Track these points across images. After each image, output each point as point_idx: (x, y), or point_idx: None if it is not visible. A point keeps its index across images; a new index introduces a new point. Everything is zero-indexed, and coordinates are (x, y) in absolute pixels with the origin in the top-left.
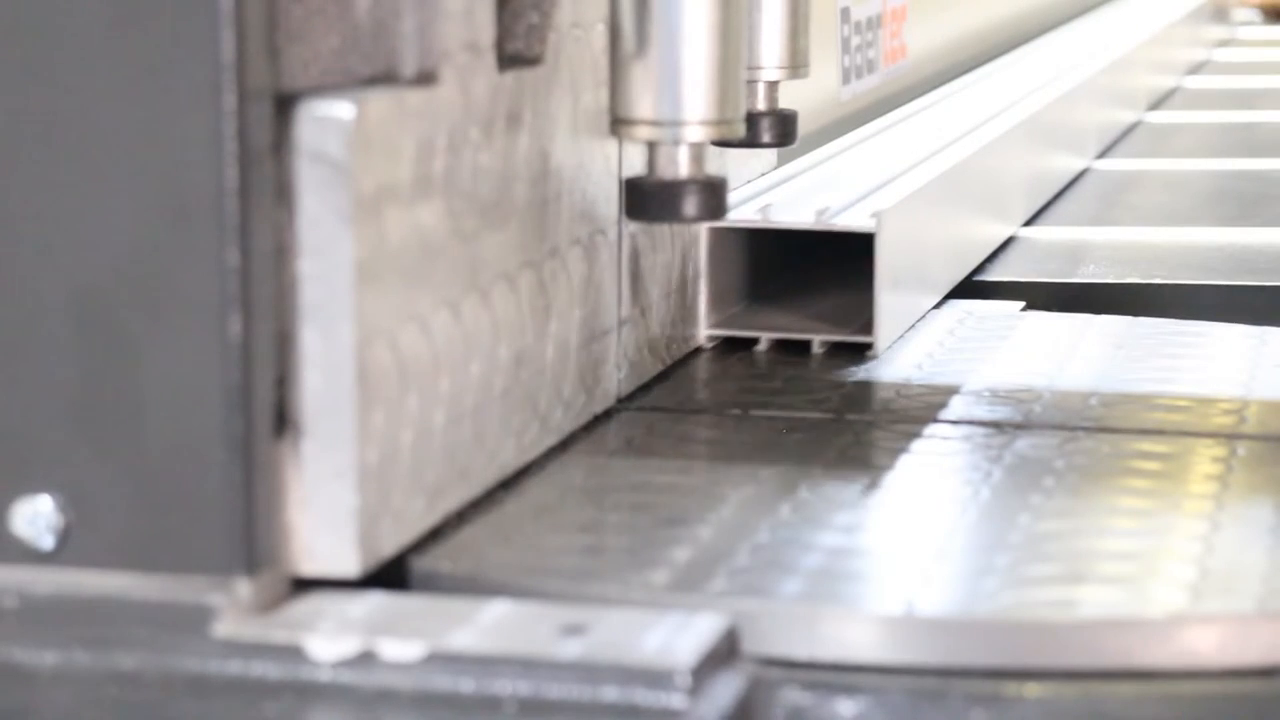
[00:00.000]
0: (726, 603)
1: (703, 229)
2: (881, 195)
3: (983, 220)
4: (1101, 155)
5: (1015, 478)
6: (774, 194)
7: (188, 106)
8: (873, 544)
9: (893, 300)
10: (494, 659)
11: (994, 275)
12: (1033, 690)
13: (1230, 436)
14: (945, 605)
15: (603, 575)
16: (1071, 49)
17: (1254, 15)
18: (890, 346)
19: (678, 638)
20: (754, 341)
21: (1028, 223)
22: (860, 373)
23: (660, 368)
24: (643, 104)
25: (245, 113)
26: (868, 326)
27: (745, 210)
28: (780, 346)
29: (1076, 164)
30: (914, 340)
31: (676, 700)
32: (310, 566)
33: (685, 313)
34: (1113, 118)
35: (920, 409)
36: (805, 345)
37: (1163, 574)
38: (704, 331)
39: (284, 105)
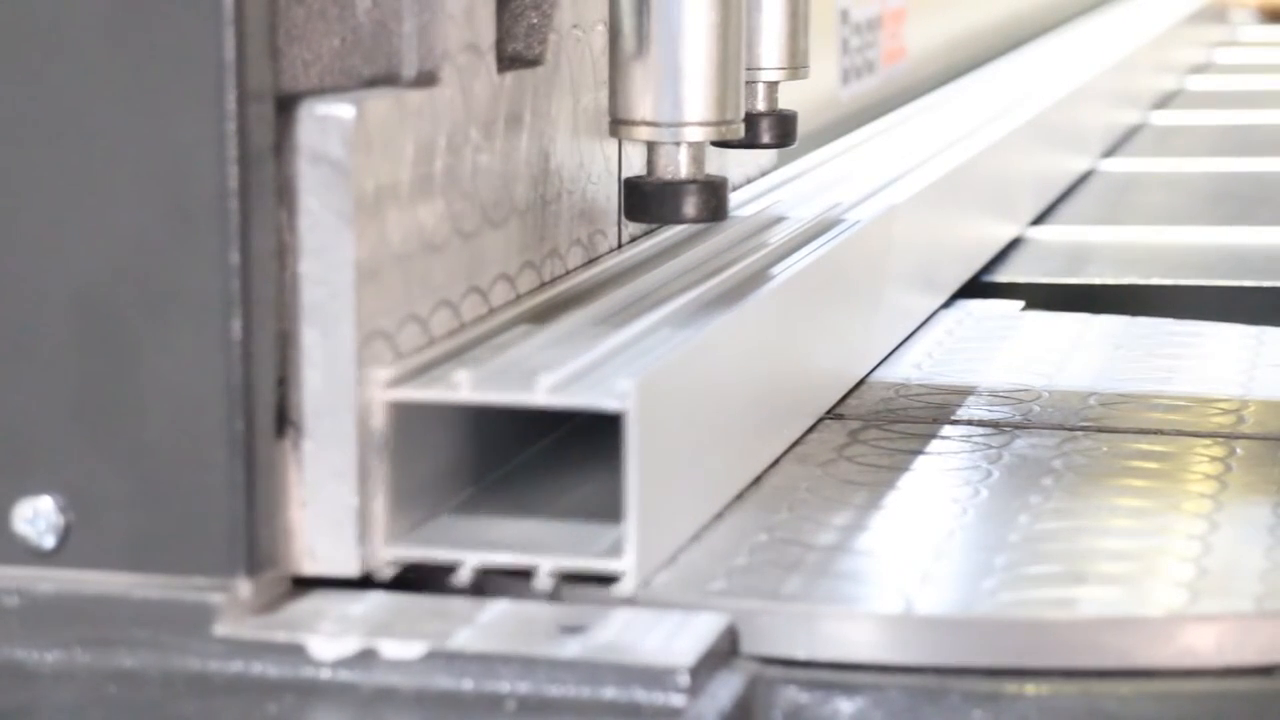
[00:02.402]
0: (726, 603)
1: (381, 398)
2: (889, 192)
3: (987, 220)
4: (1106, 155)
5: (1014, 477)
6: (776, 194)
7: (189, 107)
8: (872, 544)
9: (660, 505)
10: (494, 658)
11: (996, 275)
12: (1031, 689)
13: (1228, 436)
14: (944, 604)
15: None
16: (1071, 51)
17: (1252, 16)
18: (654, 574)
19: (677, 637)
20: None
21: (1034, 223)
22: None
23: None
24: (642, 105)
25: (246, 113)
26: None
27: (502, 367)
28: (497, 572)
29: (1081, 164)
30: (914, 340)
31: (676, 699)
32: (310, 566)
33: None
34: (1117, 118)
35: (920, 409)
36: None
37: (1161, 573)
38: (381, 553)
39: (285, 106)
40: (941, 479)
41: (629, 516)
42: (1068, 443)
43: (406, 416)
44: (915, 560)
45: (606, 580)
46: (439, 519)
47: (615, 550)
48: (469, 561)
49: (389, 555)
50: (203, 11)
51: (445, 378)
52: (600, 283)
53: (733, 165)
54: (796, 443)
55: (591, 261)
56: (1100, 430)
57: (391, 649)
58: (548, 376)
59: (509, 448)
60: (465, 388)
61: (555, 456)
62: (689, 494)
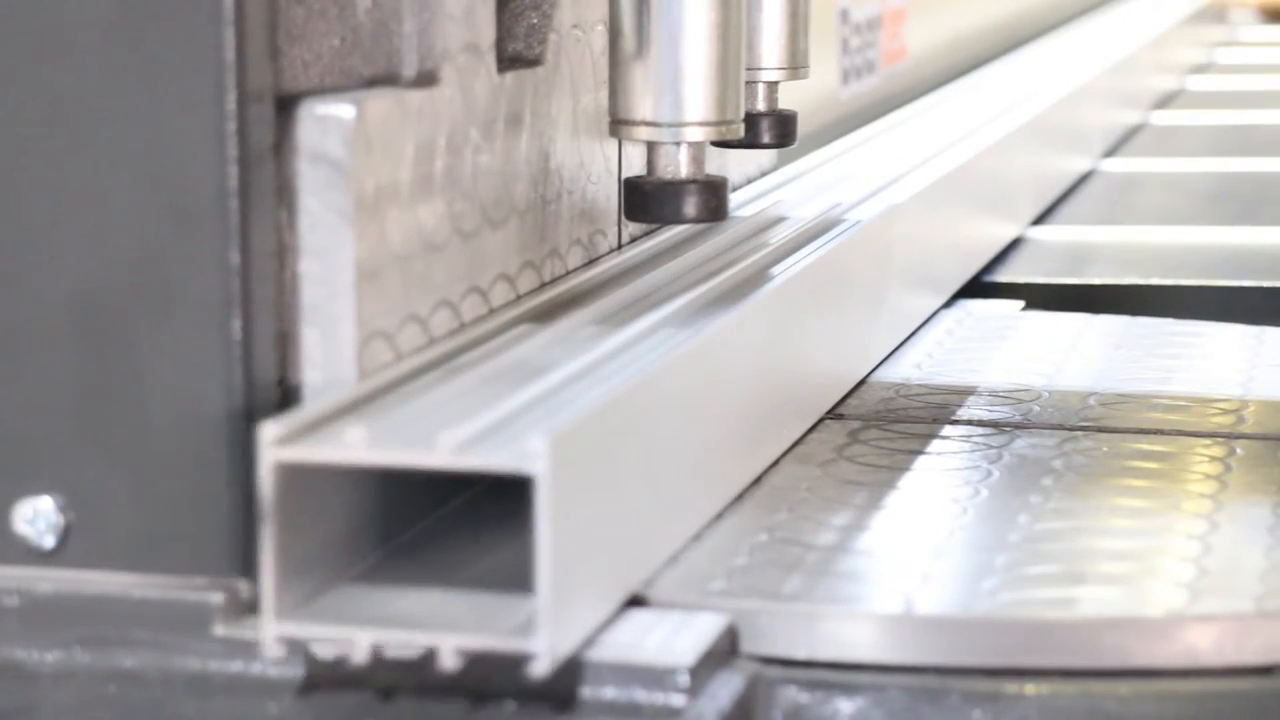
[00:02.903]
0: (726, 603)
1: (269, 460)
2: (889, 192)
3: (987, 220)
4: (1107, 155)
5: (1014, 477)
6: (776, 194)
7: (189, 107)
8: (872, 544)
9: (585, 572)
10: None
11: (996, 275)
12: (1031, 689)
13: (1228, 436)
14: (944, 604)
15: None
16: (1071, 51)
17: (1252, 16)
18: (572, 648)
19: (677, 637)
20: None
21: (1034, 223)
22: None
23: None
24: (642, 105)
25: (246, 113)
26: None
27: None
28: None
29: (1081, 164)
30: (914, 340)
31: (676, 699)
32: None
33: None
34: (1117, 118)
35: (920, 409)
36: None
37: (1161, 573)
38: (269, 631)
39: (285, 106)
40: (941, 479)
41: (541, 593)
42: (1068, 443)
43: (300, 475)
44: (915, 560)
45: (520, 659)
46: (337, 589)
47: (528, 627)
48: (361, 641)
49: (275, 632)
50: (203, 12)
51: (338, 435)
52: (600, 283)
53: (733, 165)
54: (797, 443)
55: (591, 261)
56: (1100, 430)
57: (392, 648)
58: (451, 433)
59: (423, 505)
60: (360, 447)
61: (474, 514)
62: (624, 552)
